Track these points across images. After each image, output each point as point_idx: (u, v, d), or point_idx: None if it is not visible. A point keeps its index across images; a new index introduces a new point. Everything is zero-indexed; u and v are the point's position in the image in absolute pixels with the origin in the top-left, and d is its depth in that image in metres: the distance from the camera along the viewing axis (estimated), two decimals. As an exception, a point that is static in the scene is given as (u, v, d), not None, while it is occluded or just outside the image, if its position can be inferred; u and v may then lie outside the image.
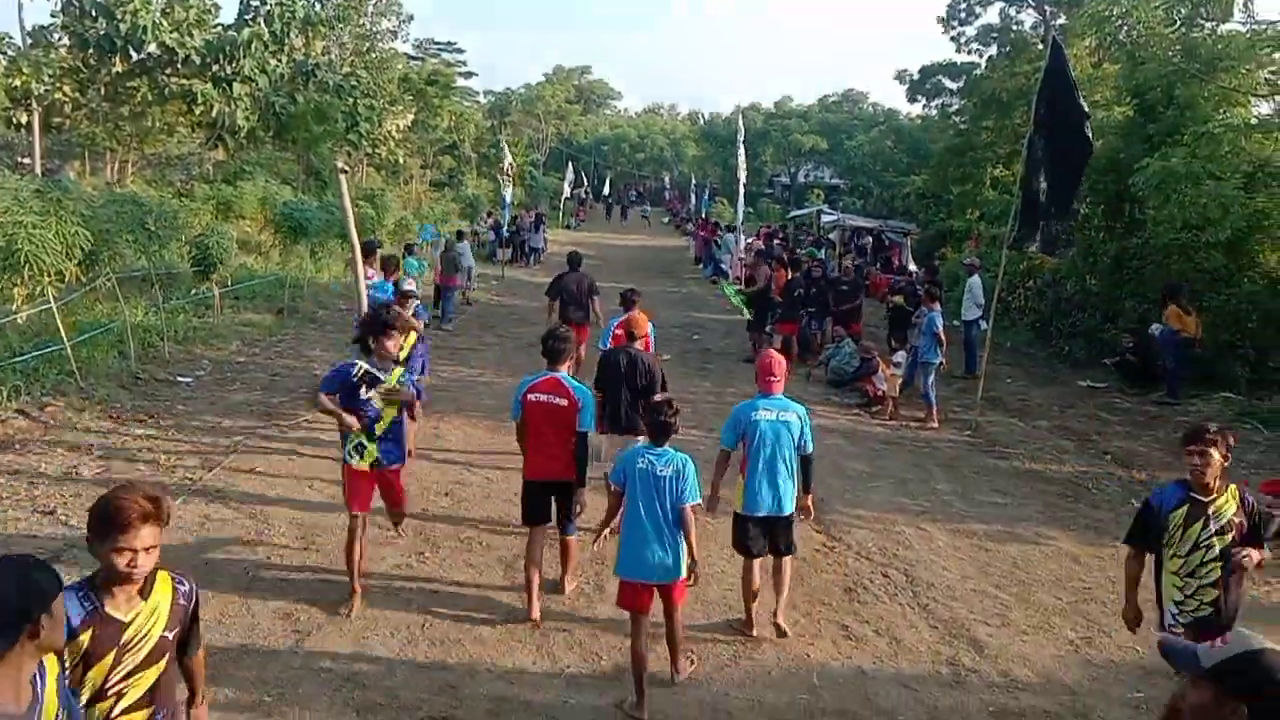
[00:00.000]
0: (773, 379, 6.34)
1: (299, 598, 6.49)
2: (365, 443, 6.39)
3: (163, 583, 3.29)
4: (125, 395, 11.07)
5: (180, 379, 12.15)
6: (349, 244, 9.55)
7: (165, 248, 15.01)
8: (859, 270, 22.81)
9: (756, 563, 6.35)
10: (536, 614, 6.39)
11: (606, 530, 5.94)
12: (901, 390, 13.29)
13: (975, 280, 16.18)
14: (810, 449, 6.32)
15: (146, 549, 3.09)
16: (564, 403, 6.38)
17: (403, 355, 8.23)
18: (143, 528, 3.06)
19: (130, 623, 3.16)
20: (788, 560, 6.45)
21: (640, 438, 6.75)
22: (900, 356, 13.36)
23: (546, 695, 5.50)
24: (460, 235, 22.43)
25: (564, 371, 6.55)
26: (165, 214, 14.49)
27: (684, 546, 5.45)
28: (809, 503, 6.46)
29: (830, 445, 11.21)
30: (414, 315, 9.78)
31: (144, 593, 3.21)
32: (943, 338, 12.78)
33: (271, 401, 11.55)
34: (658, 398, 7.39)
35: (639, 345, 8.20)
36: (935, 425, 12.44)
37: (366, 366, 6.36)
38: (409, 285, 10.21)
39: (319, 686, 5.43)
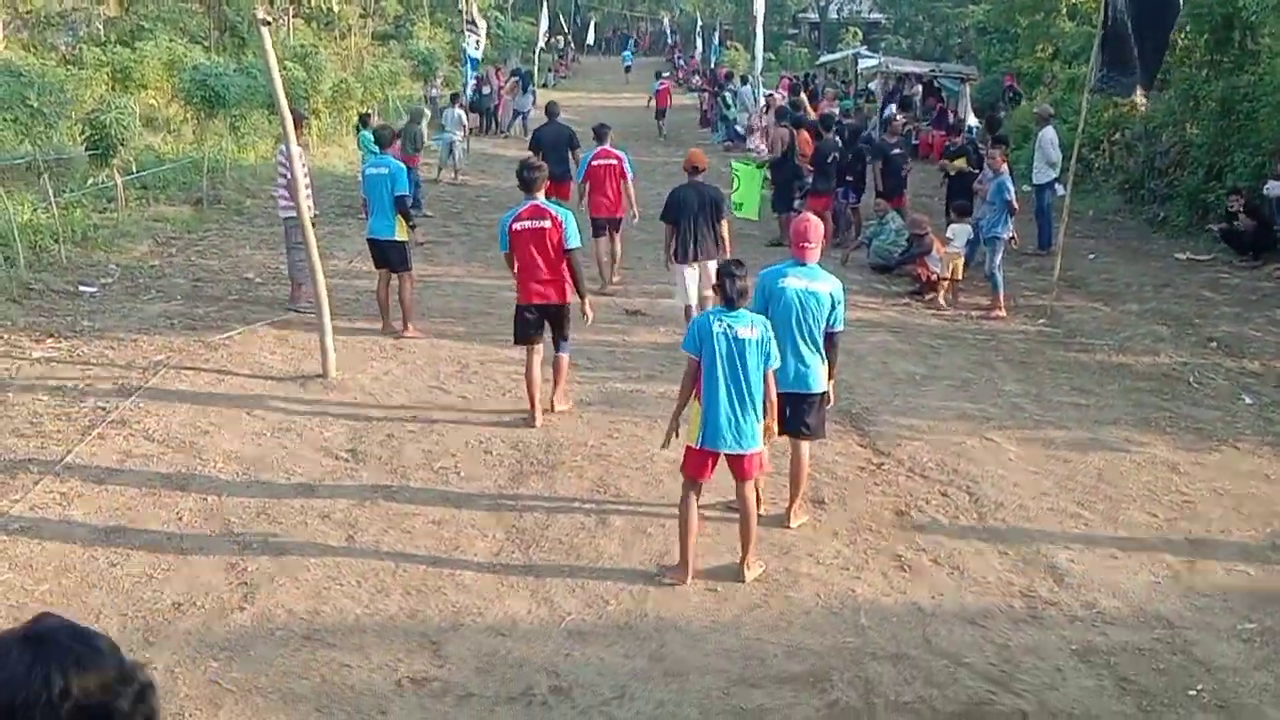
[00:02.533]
0: (807, 245, 6.75)
1: (245, 544, 6.59)
2: None
3: None
4: (16, 310, 11.09)
5: (83, 288, 12.13)
6: (278, 115, 9.46)
7: (53, 128, 14.89)
8: (906, 130, 22.44)
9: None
10: (539, 420, 8.42)
11: (678, 425, 6.39)
12: (964, 271, 13.25)
13: (1049, 133, 15.92)
14: (840, 327, 6.82)
15: None
16: (547, 224, 8.21)
17: None
18: None
19: None
20: (807, 446, 7.00)
21: (711, 263, 10.17)
22: (959, 231, 13.24)
23: (544, 649, 5.63)
24: (454, 99, 23.22)
25: (540, 196, 8.39)
26: (50, 86, 14.35)
27: (762, 413, 6.19)
28: (832, 387, 7.02)
29: (875, 343, 11.26)
30: None
31: None
32: (1015, 206, 12.69)
33: (195, 313, 11.56)
34: (728, 257, 9.07)
35: (698, 177, 10.98)
36: (1002, 314, 12.45)
37: None
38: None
39: (274, 647, 5.55)
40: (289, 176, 10.33)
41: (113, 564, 6.31)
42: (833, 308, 6.71)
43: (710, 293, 10.44)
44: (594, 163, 13.15)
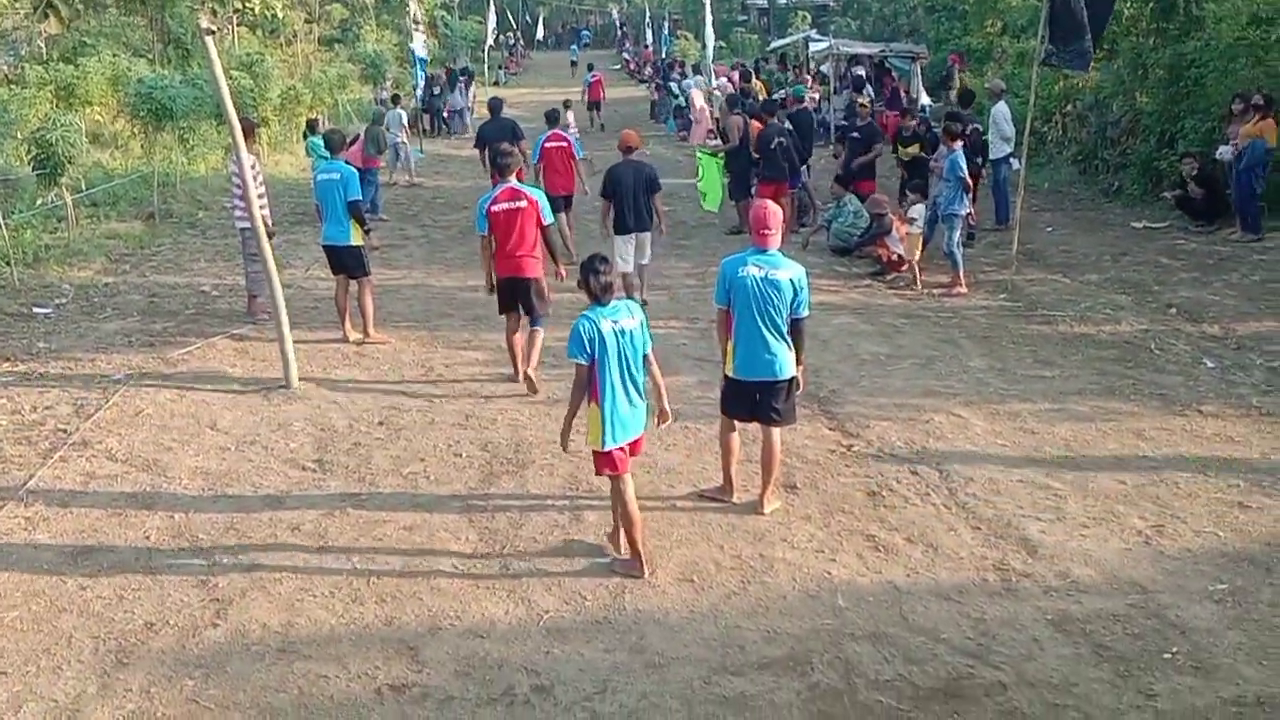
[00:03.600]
0: (766, 232, 6.77)
1: (215, 561, 6.55)
2: None
3: None
4: (-30, 336, 10.95)
5: (37, 310, 12.00)
6: (227, 125, 9.39)
7: (-3, 148, 14.67)
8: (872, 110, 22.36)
9: (739, 426, 7.16)
10: (523, 372, 9.28)
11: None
12: (921, 250, 13.33)
13: (1001, 108, 16.01)
14: (804, 313, 6.82)
15: None
16: (524, 204, 9.07)
17: None
18: None
19: None
20: (776, 432, 7.03)
21: (646, 234, 11.67)
22: (918, 211, 13.30)
23: (523, 648, 5.63)
24: (395, 100, 23.22)
25: (514, 179, 9.20)
26: (-8, 106, 14.13)
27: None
28: (801, 373, 7.00)
29: (839, 325, 11.31)
30: None
31: None
32: (969, 183, 12.77)
33: (153, 329, 11.45)
34: (662, 229, 11.98)
35: (632, 155, 11.75)
36: (963, 290, 12.54)
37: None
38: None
39: (250, 662, 5.52)
40: (242, 186, 10.25)
41: (82, 587, 6.25)
42: (795, 294, 6.70)
43: (646, 261, 11.96)
44: (546, 145, 14.41)
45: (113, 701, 5.20)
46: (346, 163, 11.00)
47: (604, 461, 6.29)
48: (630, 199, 11.45)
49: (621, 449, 6.26)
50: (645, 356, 6.34)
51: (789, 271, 6.71)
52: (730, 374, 6.95)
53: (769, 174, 15.08)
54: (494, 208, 9.05)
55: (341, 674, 5.42)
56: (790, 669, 5.39)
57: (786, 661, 5.46)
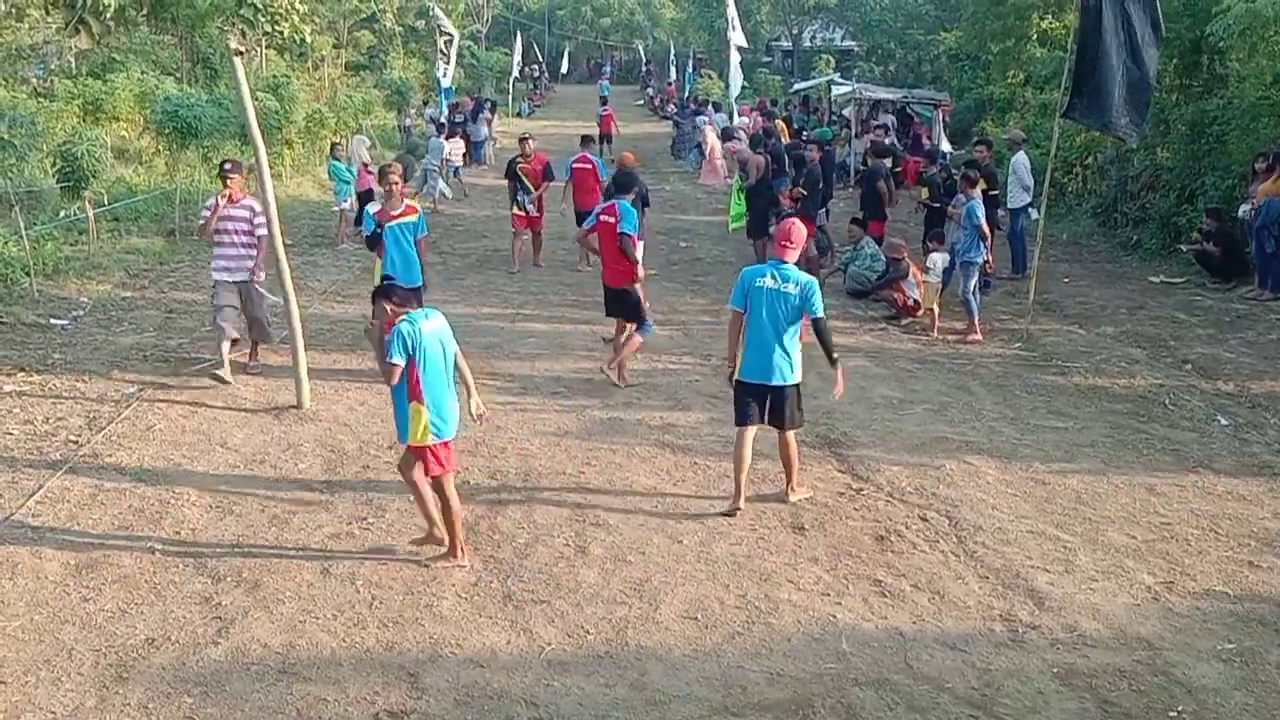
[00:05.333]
0: (787, 244, 7.49)
1: (218, 578, 6.55)
2: None
3: None
4: (-13, 345, 11.01)
5: (54, 321, 12.06)
6: (251, 145, 9.46)
7: (23, 160, 14.81)
8: (893, 151, 22.47)
9: (750, 433, 7.56)
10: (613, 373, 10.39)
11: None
12: (939, 297, 13.33)
13: (1021, 158, 16.10)
14: (819, 312, 7.39)
15: None
16: (613, 219, 10.28)
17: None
18: None
19: None
20: (791, 434, 7.66)
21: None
22: (937, 260, 13.26)
23: (523, 679, 5.60)
24: (440, 129, 24.11)
25: (627, 200, 10.48)
26: (21, 118, 14.30)
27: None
28: (838, 374, 7.66)
29: (852, 368, 11.24)
30: None
31: None
32: (986, 231, 12.79)
33: (168, 344, 11.50)
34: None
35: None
36: (978, 338, 12.52)
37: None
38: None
39: (250, 682, 5.51)
40: (253, 226, 10.13)
41: (85, 599, 6.25)
42: (804, 299, 7.32)
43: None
44: (575, 165, 16.23)
45: (111, 716, 5.19)
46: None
47: (431, 461, 6.63)
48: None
49: (446, 444, 6.67)
50: (456, 355, 6.84)
51: (797, 285, 7.35)
52: (739, 378, 7.57)
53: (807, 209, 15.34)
54: (603, 217, 10.42)
55: (340, 698, 5.40)
56: (792, 712, 5.35)
57: (788, 704, 5.41)
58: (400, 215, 10.42)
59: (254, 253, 10.19)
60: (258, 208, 10.01)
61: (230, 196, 10.05)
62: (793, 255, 7.46)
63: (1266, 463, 8.76)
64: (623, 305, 10.54)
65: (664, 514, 7.60)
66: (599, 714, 5.31)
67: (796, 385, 7.54)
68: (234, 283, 10.15)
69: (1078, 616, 6.31)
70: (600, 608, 6.31)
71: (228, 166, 10.26)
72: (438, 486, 6.73)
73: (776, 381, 7.44)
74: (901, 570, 6.87)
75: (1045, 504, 7.93)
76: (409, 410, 6.60)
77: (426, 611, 6.25)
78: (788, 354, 7.42)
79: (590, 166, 16.17)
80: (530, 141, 16.75)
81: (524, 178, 16.05)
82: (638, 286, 10.44)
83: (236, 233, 10.12)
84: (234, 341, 10.33)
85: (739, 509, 7.58)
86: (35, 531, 7.02)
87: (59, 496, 7.61)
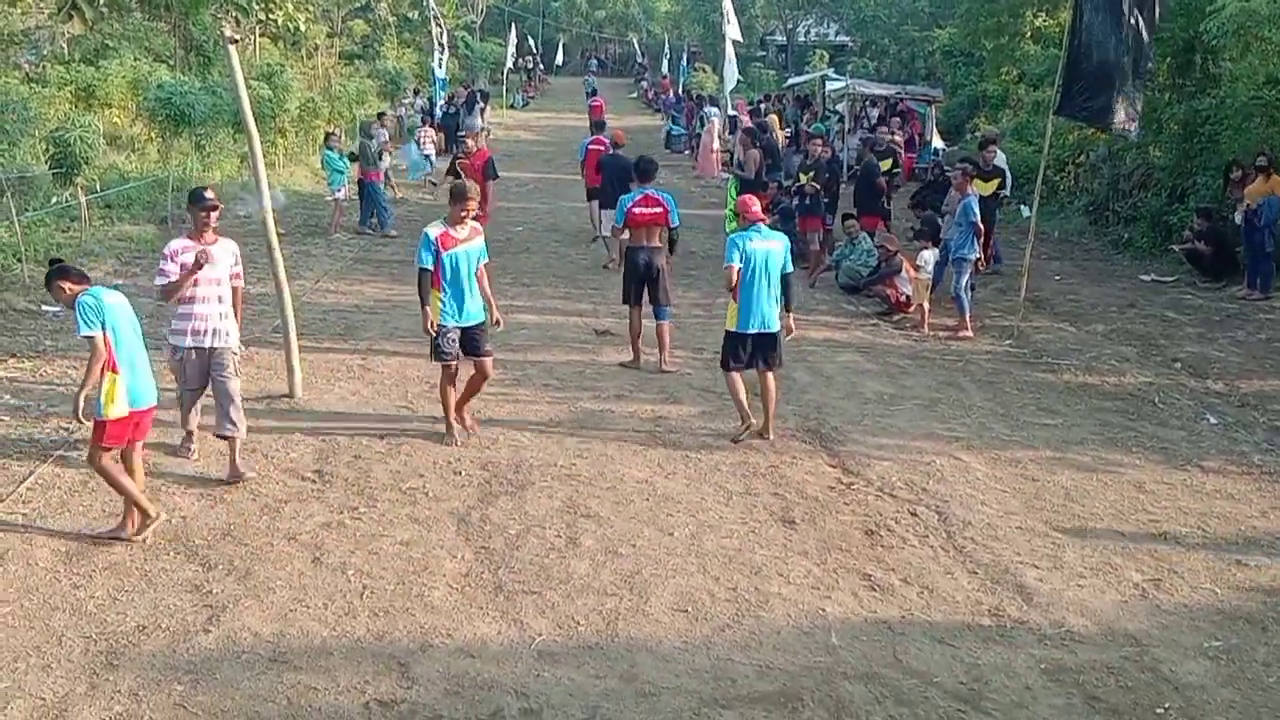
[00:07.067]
0: (756, 213, 8.84)
1: (210, 566, 6.54)
2: None
3: None
4: (-22, 330, 10.98)
5: (46, 308, 12.02)
6: (245, 133, 9.44)
7: (15, 146, 14.75)
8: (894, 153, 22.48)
9: (739, 373, 8.82)
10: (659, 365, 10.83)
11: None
12: (930, 293, 13.35)
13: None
14: (790, 268, 8.80)
15: None
16: (660, 210, 10.68)
17: None
18: None
19: None
20: (771, 376, 8.92)
21: (609, 210, 13.57)
22: (928, 257, 13.25)
23: (514, 670, 5.60)
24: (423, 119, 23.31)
25: (649, 187, 10.81)
26: (12, 104, 14.25)
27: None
28: (791, 321, 9.03)
29: (843, 363, 11.32)
30: None
31: None
32: (980, 228, 12.80)
33: (160, 333, 11.43)
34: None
35: (618, 150, 16.20)
36: (969, 334, 12.56)
37: None
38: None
39: (240, 670, 5.50)
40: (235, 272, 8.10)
41: (76, 586, 6.24)
42: (785, 256, 8.75)
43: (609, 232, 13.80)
44: (590, 147, 17.65)
45: (100, 702, 5.18)
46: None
47: (110, 432, 6.60)
48: (614, 181, 14.59)
49: (136, 415, 6.76)
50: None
51: (779, 243, 8.78)
52: (733, 329, 8.76)
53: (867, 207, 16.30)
54: (635, 209, 10.65)
55: (331, 686, 5.40)
56: (781, 705, 5.36)
57: (778, 697, 5.43)
58: (466, 240, 8.58)
59: (231, 309, 7.99)
60: (234, 246, 8.16)
61: (205, 244, 7.83)
62: (757, 215, 8.83)
63: (1255, 461, 8.81)
64: (656, 287, 10.80)
65: (655, 506, 7.61)
66: (589, 705, 5.31)
67: (779, 330, 8.84)
68: (207, 349, 7.85)
69: (1066, 612, 6.33)
70: (591, 599, 6.32)
71: (209, 196, 8.06)
72: (125, 457, 6.89)
73: (768, 328, 8.71)
74: (891, 565, 6.89)
75: (1034, 500, 7.96)
76: (104, 380, 6.61)
77: (417, 601, 6.25)
78: (775, 302, 8.72)
79: (604, 148, 17.05)
80: (473, 140, 17.30)
81: (464, 174, 15.78)
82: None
83: (216, 282, 7.86)
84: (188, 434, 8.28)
85: (753, 422, 8.81)
86: (26, 519, 7.00)
87: (50, 483, 7.60)
